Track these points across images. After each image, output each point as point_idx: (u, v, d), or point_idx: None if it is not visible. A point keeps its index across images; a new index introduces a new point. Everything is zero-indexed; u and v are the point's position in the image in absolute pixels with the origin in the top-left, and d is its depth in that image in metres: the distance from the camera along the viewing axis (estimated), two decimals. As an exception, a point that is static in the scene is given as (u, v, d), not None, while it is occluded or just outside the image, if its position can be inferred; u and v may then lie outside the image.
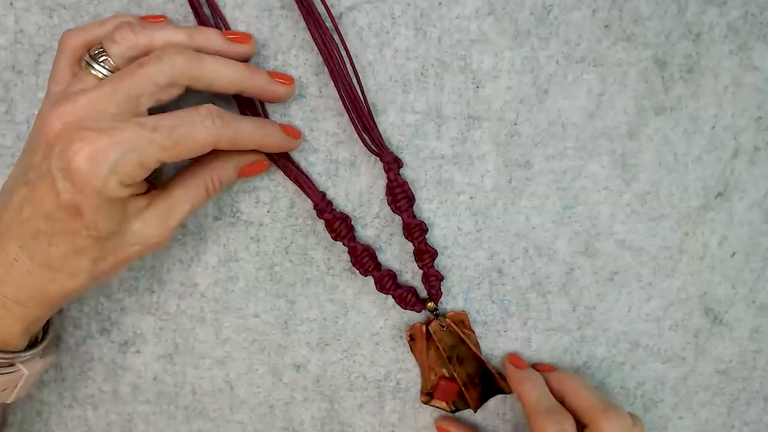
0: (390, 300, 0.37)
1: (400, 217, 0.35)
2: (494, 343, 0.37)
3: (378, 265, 0.35)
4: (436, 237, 0.36)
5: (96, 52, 0.29)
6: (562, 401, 0.35)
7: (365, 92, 0.33)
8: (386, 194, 0.34)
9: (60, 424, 0.38)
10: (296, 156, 0.35)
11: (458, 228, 0.36)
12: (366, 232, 0.36)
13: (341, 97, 0.32)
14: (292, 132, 0.33)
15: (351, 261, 0.34)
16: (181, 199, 0.31)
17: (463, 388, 0.36)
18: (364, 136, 0.33)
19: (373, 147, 0.33)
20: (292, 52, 0.33)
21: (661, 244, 0.37)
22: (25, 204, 0.27)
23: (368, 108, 0.33)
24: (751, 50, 0.34)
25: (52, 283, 0.29)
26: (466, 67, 0.34)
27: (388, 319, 0.37)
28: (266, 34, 0.33)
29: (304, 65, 0.34)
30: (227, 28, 0.33)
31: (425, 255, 0.35)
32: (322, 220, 0.34)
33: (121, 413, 0.38)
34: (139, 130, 0.27)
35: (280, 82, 0.32)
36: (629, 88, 0.34)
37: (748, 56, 0.34)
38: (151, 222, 0.30)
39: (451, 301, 0.37)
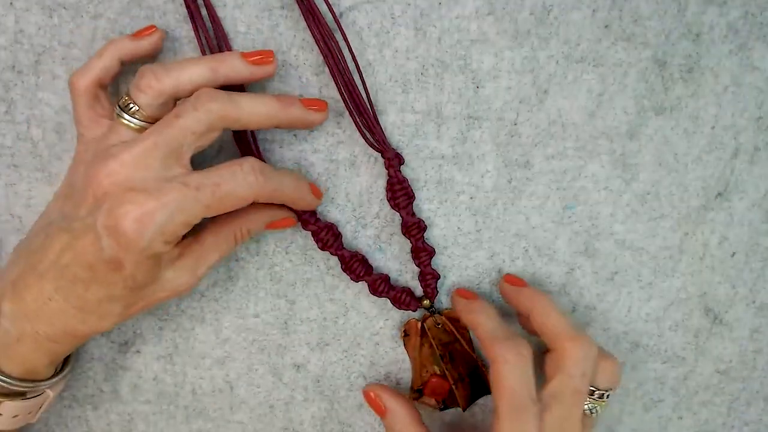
0: (390, 300, 0.37)
1: (399, 216, 0.35)
2: (494, 343, 0.37)
3: (369, 269, 0.35)
4: (436, 237, 0.36)
5: (125, 103, 0.29)
6: (527, 319, 0.33)
7: (368, 88, 0.33)
8: (386, 190, 0.34)
9: (60, 424, 0.38)
10: (296, 155, 0.35)
11: (458, 228, 0.36)
12: (366, 232, 0.36)
13: (341, 92, 0.32)
14: (317, 191, 0.34)
15: (341, 268, 0.35)
16: (212, 248, 0.31)
17: (453, 387, 0.36)
18: (366, 132, 0.33)
19: (375, 144, 0.33)
20: (292, 52, 0.33)
21: (661, 244, 0.37)
22: (66, 251, 0.28)
23: (371, 104, 0.33)
24: (751, 50, 0.34)
25: (83, 324, 0.30)
26: (466, 67, 0.34)
27: (388, 319, 0.37)
28: (266, 34, 0.33)
29: (304, 65, 0.34)
30: (224, 33, 0.33)
31: (422, 253, 0.35)
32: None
33: (121, 413, 0.38)
34: (184, 190, 0.27)
35: (314, 110, 0.32)
36: (629, 88, 0.34)
37: (748, 56, 0.34)
38: (182, 271, 0.31)
39: (451, 301, 0.37)
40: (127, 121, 0.29)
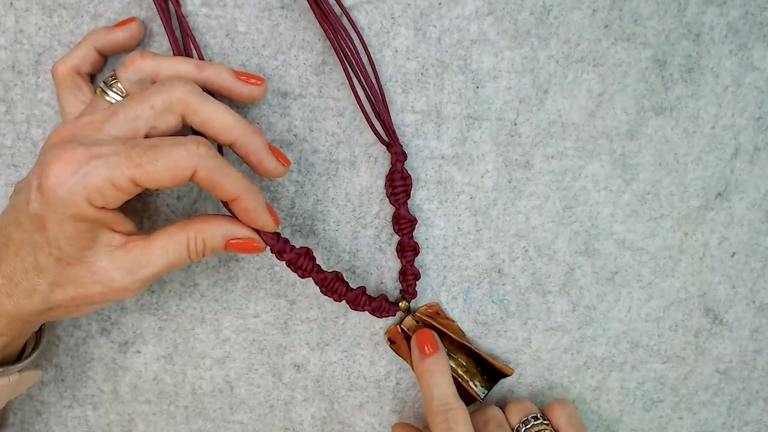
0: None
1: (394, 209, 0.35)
2: (494, 343, 0.37)
3: (348, 287, 0.34)
4: (436, 237, 0.36)
5: (110, 79, 0.30)
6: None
7: (380, 80, 0.33)
8: (386, 184, 0.34)
9: (60, 424, 0.38)
10: (296, 156, 0.35)
11: (458, 228, 0.36)
12: (366, 232, 0.36)
13: (351, 84, 0.32)
14: (273, 215, 0.31)
15: (321, 291, 0.33)
16: (158, 251, 0.29)
17: (461, 381, 0.36)
18: (376, 124, 0.33)
19: (384, 136, 0.33)
20: (292, 52, 0.33)
21: (661, 244, 0.37)
22: (7, 212, 0.28)
23: (383, 96, 0.33)
24: (751, 50, 0.34)
25: (9, 297, 0.28)
26: (466, 67, 0.34)
27: (388, 319, 0.37)
28: (266, 34, 0.33)
29: (304, 65, 0.34)
30: (191, 32, 0.32)
31: (408, 250, 0.35)
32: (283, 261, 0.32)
33: (121, 413, 0.38)
34: (118, 145, 0.26)
35: (277, 159, 0.30)
36: (629, 88, 0.34)
37: (748, 56, 0.34)
38: (119, 264, 0.28)
39: (451, 301, 0.37)
40: (109, 97, 0.30)
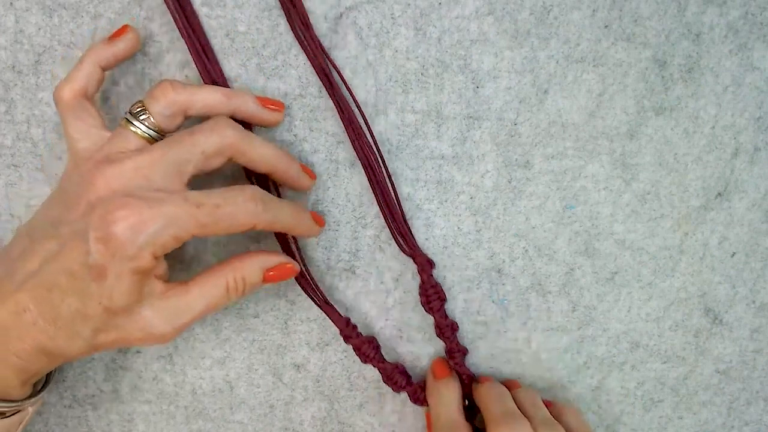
0: (390, 300, 0.37)
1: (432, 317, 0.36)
2: (494, 343, 0.37)
3: (409, 379, 0.36)
4: (436, 237, 0.36)
5: (137, 110, 0.29)
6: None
7: (398, 194, 0.35)
8: (420, 294, 0.35)
9: (60, 424, 0.38)
10: (296, 156, 0.35)
11: (458, 228, 0.36)
12: (366, 232, 0.36)
13: (378, 202, 0.34)
14: (319, 220, 0.33)
15: (383, 379, 0.35)
16: (198, 297, 0.30)
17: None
18: (398, 238, 0.35)
19: (407, 248, 0.35)
20: (293, 52, 0.33)
21: (661, 244, 0.37)
22: (51, 258, 0.27)
23: (402, 212, 0.35)
24: (751, 50, 0.34)
25: (52, 340, 0.28)
26: (466, 67, 0.34)
27: (388, 319, 0.37)
28: (266, 34, 0.33)
29: (305, 65, 0.34)
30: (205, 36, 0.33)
31: (456, 353, 0.36)
32: (350, 345, 0.35)
33: (121, 413, 0.38)
34: (183, 205, 0.27)
35: (307, 175, 0.33)
36: (629, 88, 0.34)
37: (748, 56, 0.34)
38: (161, 313, 0.29)
39: (451, 301, 0.37)
40: (135, 128, 0.29)
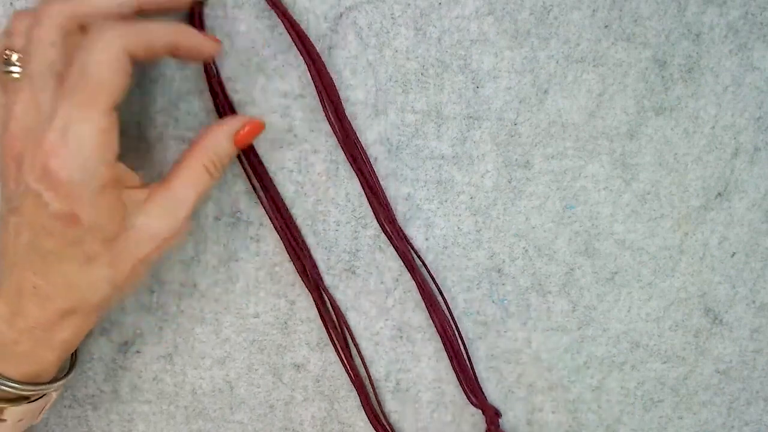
0: (390, 300, 0.37)
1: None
2: (494, 343, 0.37)
3: None
4: (436, 237, 0.36)
5: (5, 56, 0.27)
6: None
7: (463, 340, 0.36)
8: None
9: (60, 424, 0.38)
10: (296, 155, 0.35)
11: (458, 228, 0.36)
12: (366, 232, 0.36)
13: (445, 345, 0.35)
14: (212, 37, 0.30)
15: None
16: (183, 186, 0.29)
17: None
18: (468, 393, 0.35)
19: (474, 399, 0.35)
20: (293, 52, 0.33)
21: (661, 244, 0.37)
22: (21, 229, 0.26)
23: (467, 354, 0.35)
24: (751, 50, 0.34)
25: (78, 301, 0.28)
26: (466, 67, 0.34)
27: (388, 319, 0.37)
28: (266, 34, 0.33)
29: (304, 65, 0.34)
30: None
31: None
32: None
33: (121, 413, 0.38)
34: (66, 101, 0.25)
35: (210, 39, 0.29)
36: (629, 88, 0.34)
37: (748, 56, 0.34)
38: (155, 213, 0.28)
39: (451, 301, 0.37)
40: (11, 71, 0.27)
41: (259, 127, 0.31)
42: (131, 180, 0.29)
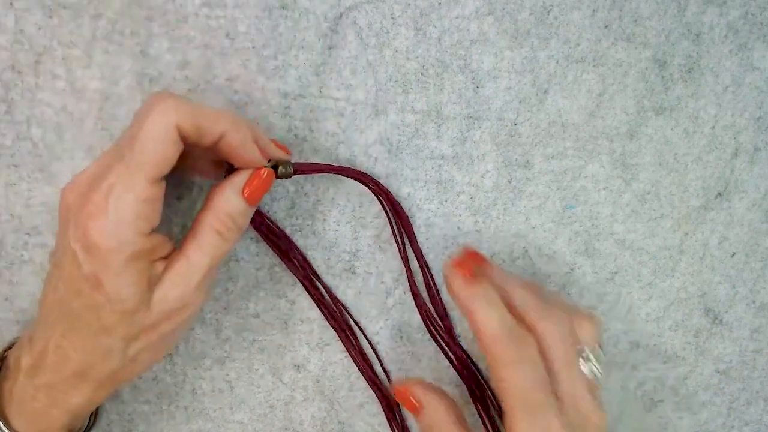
0: (390, 300, 0.37)
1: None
2: (494, 343, 0.37)
3: None
4: (436, 237, 0.36)
5: None
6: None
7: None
8: None
9: (60, 424, 0.38)
10: (296, 156, 0.35)
11: (458, 228, 0.36)
12: (366, 232, 0.36)
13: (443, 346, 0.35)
14: (283, 147, 0.30)
15: None
16: (195, 254, 0.28)
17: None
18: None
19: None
20: (292, 52, 0.33)
21: (661, 244, 0.37)
22: (59, 284, 0.27)
23: (467, 354, 0.35)
24: (751, 50, 0.34)
25: (90, 368, 0.28)
26: (466, 67, 0.34)
27: (388, 319, 0.37)
28: (266, 34, 0.33)
29: (305, 65, 0.34)
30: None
31: None
32: None
33: (121, 413, 0.38)
34: (116, 165, 0.26)
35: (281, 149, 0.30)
36: (629, 88, 0.35)
37: (748, 56, 0.34)
38: (170, 285, 0.28)
39: (451, 301, 0.37)
40: None
41: (267, 177, 0.29)
42: (164, 249, 0.28)
